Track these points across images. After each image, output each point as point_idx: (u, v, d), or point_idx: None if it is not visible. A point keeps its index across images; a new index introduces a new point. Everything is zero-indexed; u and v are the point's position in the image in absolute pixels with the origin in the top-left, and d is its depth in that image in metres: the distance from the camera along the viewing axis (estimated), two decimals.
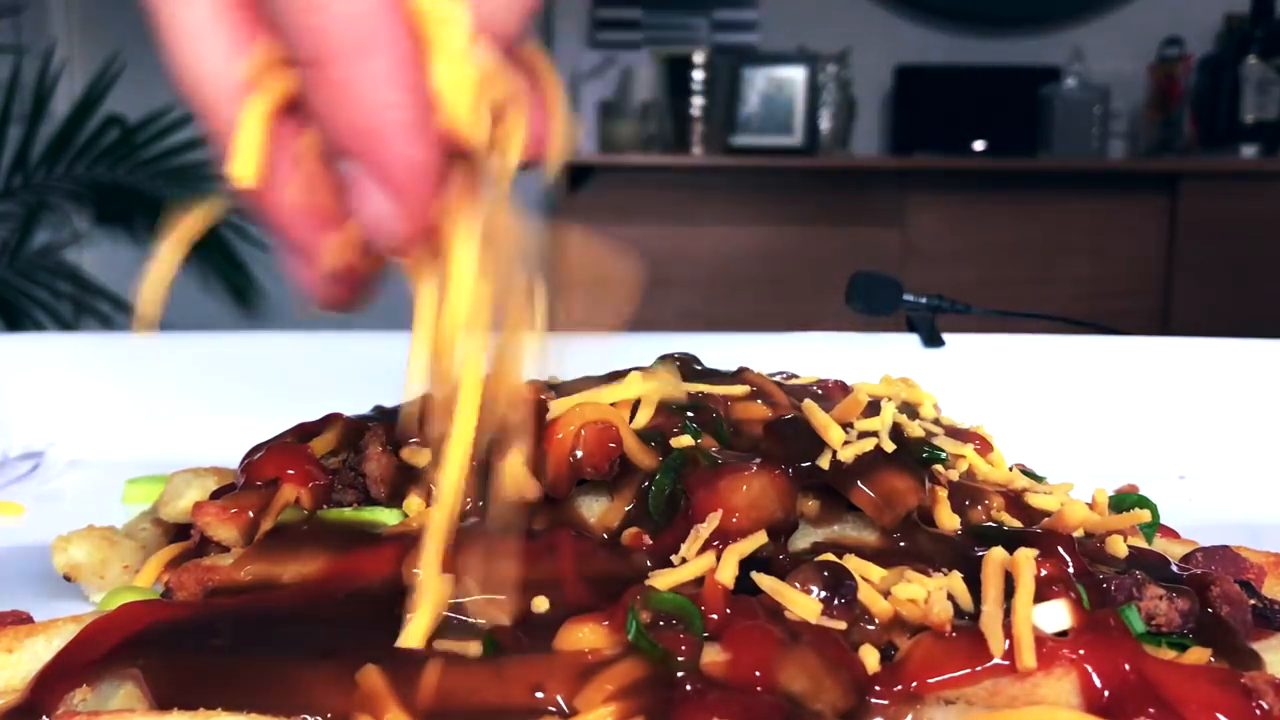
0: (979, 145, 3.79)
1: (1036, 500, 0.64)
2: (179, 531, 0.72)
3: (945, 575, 0.53)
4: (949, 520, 0.60)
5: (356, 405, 0.78)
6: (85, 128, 3.54)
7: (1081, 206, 3.49)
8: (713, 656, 0.48)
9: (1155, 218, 3.48)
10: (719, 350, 0.85)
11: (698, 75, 3.64)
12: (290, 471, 0.65)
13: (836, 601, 0.51)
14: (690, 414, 0.63)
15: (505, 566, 0.55)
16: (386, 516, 0.62)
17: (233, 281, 3.74)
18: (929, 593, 0.51)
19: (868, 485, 0.57)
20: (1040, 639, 0.48)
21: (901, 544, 0.57)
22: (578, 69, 3.73)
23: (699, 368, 0.74)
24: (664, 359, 0.73)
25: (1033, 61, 3.84)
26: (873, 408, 0.65)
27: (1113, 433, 1.04)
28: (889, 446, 0.60)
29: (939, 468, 0.64)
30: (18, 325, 3.35)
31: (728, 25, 3.92)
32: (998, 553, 0.53)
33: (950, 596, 0.52)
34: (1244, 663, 0.51)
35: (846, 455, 0.58)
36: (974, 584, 0.52)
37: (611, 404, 0.61)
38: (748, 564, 0.53)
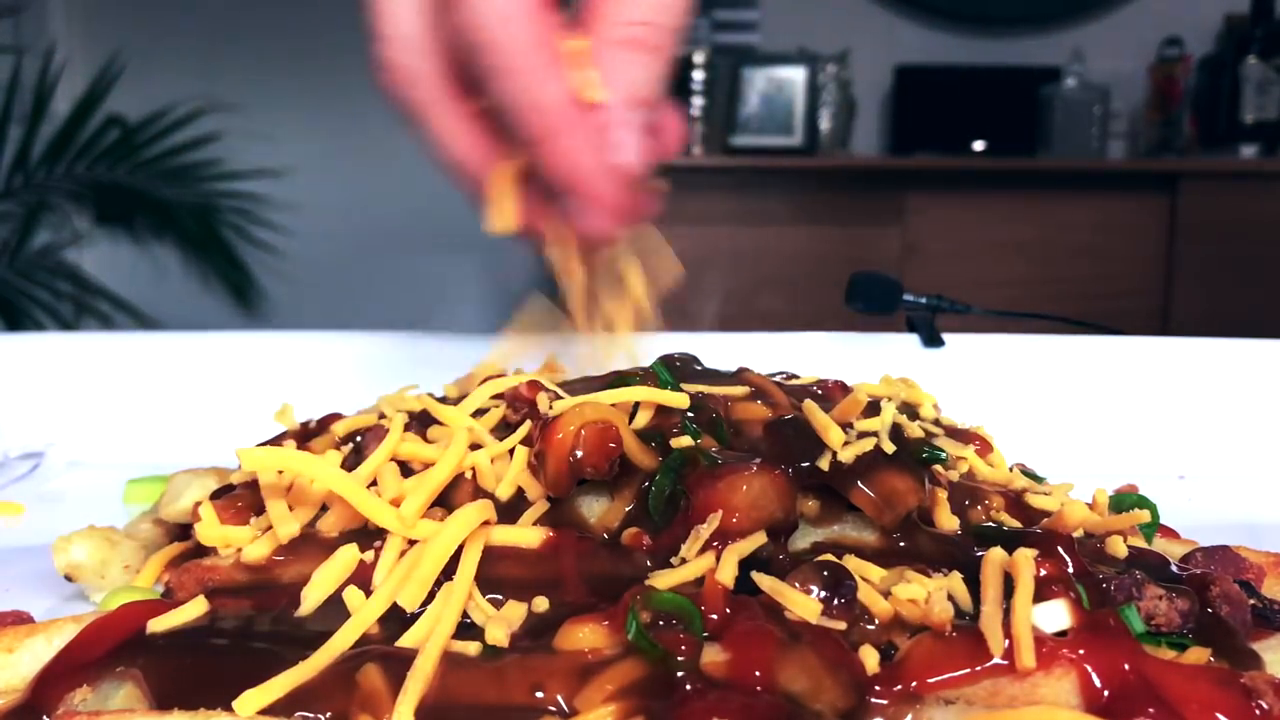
0: (979, 145, 3.79)
1: (1036, 500, 0.64)
2: (179, 531, 0.72)
3: (945, 575, 0.53)
4: (949, 520, 0.60)
5: (356, 405, 0.78)
6: (85, 128, 3.54)
7: (1081, 206, 3.48)
8: (713, 656, 0.48)
9: (1155, 218, 3.47)
10: (719, 350, 0.85)
11: (698, 75, 3.64)
12: None
13: (836, 601, 0.51)
14: (690, 414, 0.63)
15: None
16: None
17: (233, 281, 3.74)
18: (929, 593, 0.51)
19: (868, 485, 0.57)
20: (1040, 639, 0.48)
21: (901, 544, 0.57)
22: None
23: (699, 368, 0.74)
24: (663, 359, 0.73)
25: (1033, 61, 3.83)
26: (873, 408, 0.65)
27: (1113, 433, 1.04)
28: (889, 447, 0.60)
29: (939, 468, 0.64)
30: (18, 325, 3.35)
31: (728, 25, 3.92)
32: (997, 553, 0.53)
33: (950, 597, 0.52)
34: (1244, 663, 0.51)
35: (846, 456, 0.58)
36: (974, 584, 0.52)
37: (612, 404, 0.61)
38: (748, 564, 0.53)
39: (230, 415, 0.97)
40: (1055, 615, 0.50)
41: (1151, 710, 0.46)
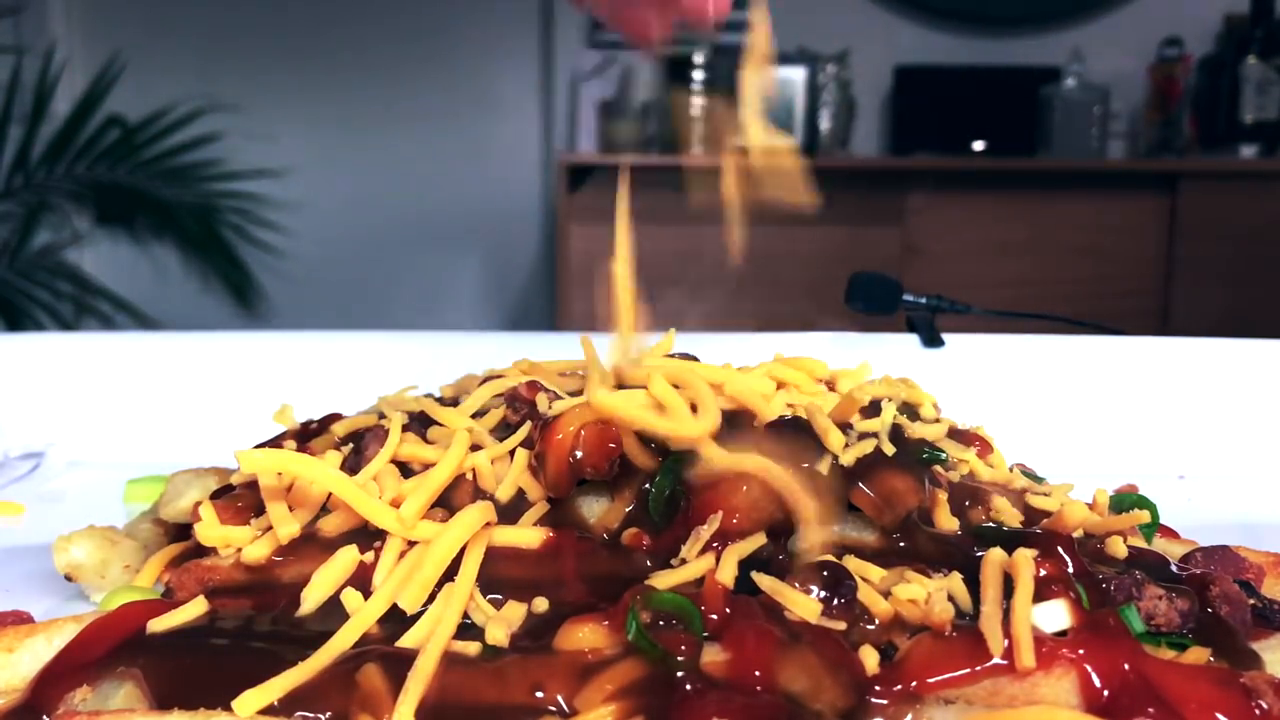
0: (979, 145, 3.78)
1: (1036, 501, 0.64)
2: (179, 531, 0.72)
3: (945, 575, 0.53)
4: (949, 521, 0.60)
5: (356, 405, 0.78)
6: (86, 128, 3.54)
7: (1081, 206, 3.48)
8: (713, 656, 0.48)
9: (1155, 218, 3.47)
10: (719, 350, 0.85)
11: (697, 75, 3.64)
12: None
13: (836, 601, 0.51)
14: None
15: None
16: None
17: (233, 281, 3.74)
18: (929, 593, 0.51)
19: (868, 486, 0.57)
20: (1040, 639, 0.48)
21: (901, 544, 0.57)
22: (578, 69, 3.73)
23: None
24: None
25: (1032, 61, 3.83)
26: (872, 409, 0.65)
27: (1113, 433, 1.04)
28: (889, 448, 0.60)
29: (939, 468, 0.64)
30: (18, 325, 3.35)
31: (728, 25, 3.91)
32: (997, 553, 0.53)
33: (950, 597, 0.52)
34: (1243, 662, 0.51)
35: (847, 457, 0.58)
36: (974, 584, 0.52)
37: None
38: (748, 564, 0.53)
39: (230, 415, 0.97)
40: (1055, 615, 0.50)
41: (1151, 710, 0.46)
